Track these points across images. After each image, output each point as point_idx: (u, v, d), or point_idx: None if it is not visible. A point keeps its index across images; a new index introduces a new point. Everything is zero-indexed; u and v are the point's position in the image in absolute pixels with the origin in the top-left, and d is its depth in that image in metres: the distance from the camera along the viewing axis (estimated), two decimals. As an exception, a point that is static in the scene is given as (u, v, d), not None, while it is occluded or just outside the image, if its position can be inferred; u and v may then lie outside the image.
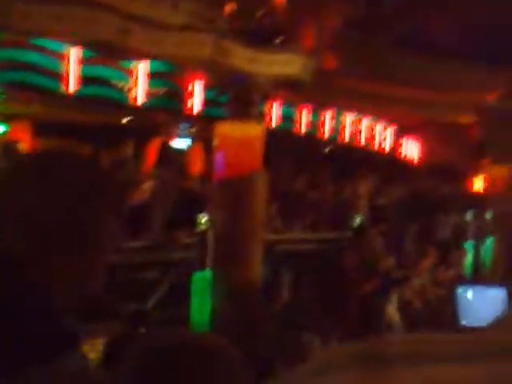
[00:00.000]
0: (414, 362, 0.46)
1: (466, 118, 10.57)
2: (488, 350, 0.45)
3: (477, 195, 11.57)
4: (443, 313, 7.77)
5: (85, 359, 1.23)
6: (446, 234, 10.68)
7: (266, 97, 7.65)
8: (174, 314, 6.82)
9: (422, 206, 10.59)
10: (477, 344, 0.46)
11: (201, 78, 7.58)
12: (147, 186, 7.31)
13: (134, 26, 5.64)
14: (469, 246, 10.80)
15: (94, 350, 5.30)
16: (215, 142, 6.91)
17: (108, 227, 1.19)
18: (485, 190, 11.18)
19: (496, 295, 4.88)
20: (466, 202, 11.47)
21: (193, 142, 8.87)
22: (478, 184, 11.71)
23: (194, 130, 8.98)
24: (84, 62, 6.56)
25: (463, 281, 8.89)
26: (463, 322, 5.00)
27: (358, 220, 9.69)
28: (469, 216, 11.49)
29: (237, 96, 6.86)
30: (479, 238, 10.95)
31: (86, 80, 6.67)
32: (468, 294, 5.14)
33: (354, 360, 0.47)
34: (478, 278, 10.22)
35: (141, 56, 6.51)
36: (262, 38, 6.83)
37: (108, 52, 6.01)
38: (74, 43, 6.13)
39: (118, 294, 6.28)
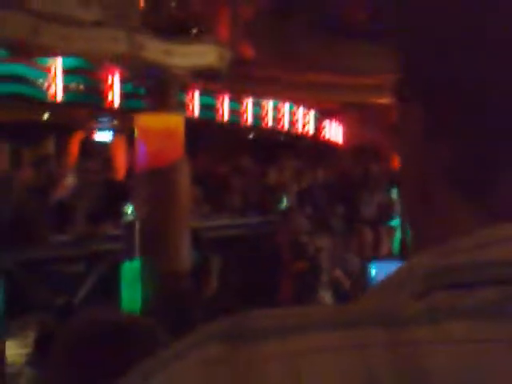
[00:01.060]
0: (280, 333, 0.47)
1: (385, 99, 10.84)
2: (351, 317, 0.48)
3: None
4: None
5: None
6: (372, 212, 10.91)
7: (185, 87, 7.76)
8: (103, 305, 6.87)
9: (347, 187, 10.81)
10: (342, 313, 0.49)
11: (118, 73, 7.65)
12: (70, 180, 7.36)
13: (44, 24, 5.67)
14: (395, 223, 11.03)
15: (24, 344, 5.37)
16: (136, 134, 7.00)
17: None
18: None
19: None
20: (390, 180, 11.72)
21: (115, 135, 8.91)
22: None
23: (115, 123, 9.02)
24: (-1, 60, 6.57)
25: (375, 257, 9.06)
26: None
27: (284, 204, 9.85)
28: (394, 194, 11.74)
29: (154, 88, 6.96)
30: (405, 215, 11.17)
31: (2, 78, 6.68)
32: (373, 269, 5.38)
33: (217, 336, 0.48)
34: (406, 254, 10.44)
35: (54, 53, 6.54)
36: (176, 30, 6.93)
37: (20, 50, 6.05)
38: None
39: (46, 287, 6.33)
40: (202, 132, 8.89)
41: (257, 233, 8.76)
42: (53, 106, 7.61)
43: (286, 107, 11.76)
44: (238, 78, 8.46)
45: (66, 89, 7.32)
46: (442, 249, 0.51)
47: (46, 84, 7.16)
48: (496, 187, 0.52)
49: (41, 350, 4.72)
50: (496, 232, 0.50)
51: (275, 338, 0.46)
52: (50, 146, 7.89)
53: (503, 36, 0.52)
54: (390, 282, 0.53)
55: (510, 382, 0.45)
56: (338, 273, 8.91)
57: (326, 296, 8.35)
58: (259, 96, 10.68)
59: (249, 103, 10.73)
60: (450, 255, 0.50)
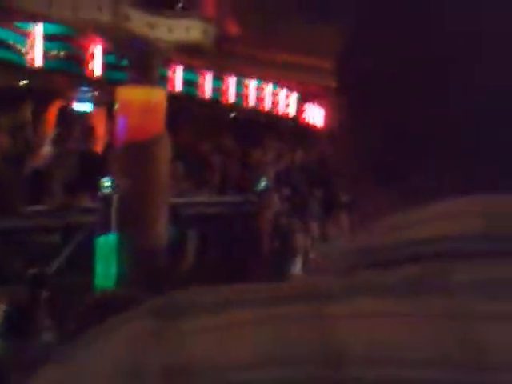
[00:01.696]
0: (210, 309, 0.49)
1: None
2: (278, 294, 0.50)
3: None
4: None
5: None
6: (348, 197, 10.93)
7: (168, 62, 7.69)
8: (77, 278, 6.80)
9: (325, 170, 10.81)
10: (272, 290, 0.51)
11: (100, 42, 7.55)
12: (47, 149, 7.26)
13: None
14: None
15: (-5, 315, 5.29)
16: (117, 107, 6.92)
17: None
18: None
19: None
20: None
21: (95, 105, 8.81)
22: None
23: (95, 94, 8.93)
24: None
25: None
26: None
27: (263, 184, 9.82)
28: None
29: (137, 61, 6.88)
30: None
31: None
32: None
33: (151, 311, 0.49)
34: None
35: (36, 18, 6.45)
36: (161, 3, 6.86)
37: (2, 15, 5.95)
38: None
39: (18, 258, 6.25)
40: (183, 108, 8.82)
41: (235, 211, 8.74)
42: (32, 72, 7.50)
43: (268, 88, 11.75)
44: (222, 55, 8.41)
45: (45, 55, 7.21)
46: (364, 231, 0.54)
47: (25, 49, 7.05)
48: (412, 177, 0.54)
49: (11, 322, 4.66)
50: (413, 215, 0.52)
51: (206, 313, 0.49)
52: (27, 113, 7.77)
53: (429, 31, 0.53)
54: (320, 263, 0.57)
55: (416, 356, 0.46)
56: (313, 254, 8.92)
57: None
58: (242, 75, 10.66)
59: (231, 81, 10.70)
60: (371, 236, 0.52)
